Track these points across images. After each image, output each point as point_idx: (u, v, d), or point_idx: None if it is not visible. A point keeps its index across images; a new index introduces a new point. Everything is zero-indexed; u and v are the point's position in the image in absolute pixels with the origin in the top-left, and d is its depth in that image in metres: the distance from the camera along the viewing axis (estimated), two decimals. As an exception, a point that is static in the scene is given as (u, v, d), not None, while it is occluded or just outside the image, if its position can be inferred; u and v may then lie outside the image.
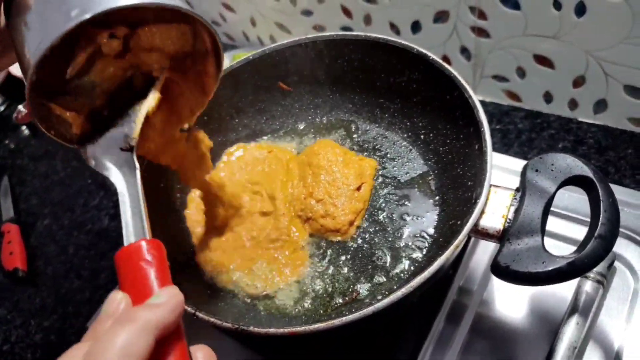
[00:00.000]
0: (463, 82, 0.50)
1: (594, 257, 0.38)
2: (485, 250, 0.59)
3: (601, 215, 0.40)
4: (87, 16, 0.32)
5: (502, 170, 0.64)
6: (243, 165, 0.61)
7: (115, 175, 0.39)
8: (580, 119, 0.75)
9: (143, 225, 0.35)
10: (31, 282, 0.80)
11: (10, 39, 0.37)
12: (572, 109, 0.74)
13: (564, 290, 0.52)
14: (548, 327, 0.52)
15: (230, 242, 0.54)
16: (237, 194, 0.57)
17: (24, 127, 1.11)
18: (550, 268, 0.39)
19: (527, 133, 0.76)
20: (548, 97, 0.75)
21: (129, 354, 0.27)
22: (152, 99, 0.42)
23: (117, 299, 0.31)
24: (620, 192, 0.59)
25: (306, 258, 0.53)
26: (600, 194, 0.41)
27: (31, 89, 0.35)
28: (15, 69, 1.13)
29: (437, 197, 0.55)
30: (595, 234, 0.39)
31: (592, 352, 0.49)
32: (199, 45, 0.43)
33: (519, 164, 0.66)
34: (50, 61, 0.33)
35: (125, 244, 0.34)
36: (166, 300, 0.30)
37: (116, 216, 0.86)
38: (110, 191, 0.90)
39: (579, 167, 0.42)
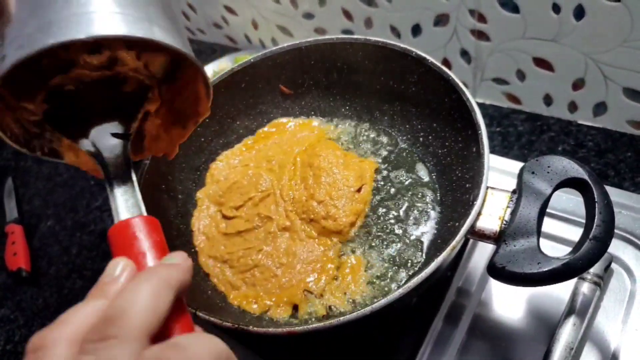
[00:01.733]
0: (461, 85, 0.51)
1: (588, 258, 0.39)
2: (483, 252, 0.59)
3: (596, 217, 0.40)
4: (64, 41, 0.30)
5: (502, 173, 0.65)
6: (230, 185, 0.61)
7: (101, 159, 0.37)
8: (580, 122, 0.75)
9: (138, 203, 0.34)
10: (34, 282, 0.81)
11: None
12: (572, 111, 0.75)
13: (561, 292, 0.53)
14: (545, 328, 0.52)
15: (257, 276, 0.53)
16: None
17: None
18: (545, 269, 0.39)
19: (527, 136, 0.76)
20: (548, 100, 0.76)
21: (155, 307, 0.26)
22: (151, 103, 0.41)
23: (122, 264, 0.29)
24: (619, 195, 0.59)
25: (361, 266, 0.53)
26: (595, 195, 0.41)
27: None
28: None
29: (435, 200, 0.56)
30: (590, 236, 0.39)
31: (588, 353, 0.49)
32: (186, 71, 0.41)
33: (518, 166, 0.66)
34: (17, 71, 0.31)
35: (116, 221, 0.33)
36: (182, 261, 0.30)
37: (119, 217, 0.86)
38: (113, 192, 0.91)
39: (575, 169, 0.43)
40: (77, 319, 0.26)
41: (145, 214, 0.33)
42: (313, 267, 0.52)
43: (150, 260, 0.30)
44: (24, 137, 0.39)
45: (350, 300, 0.51)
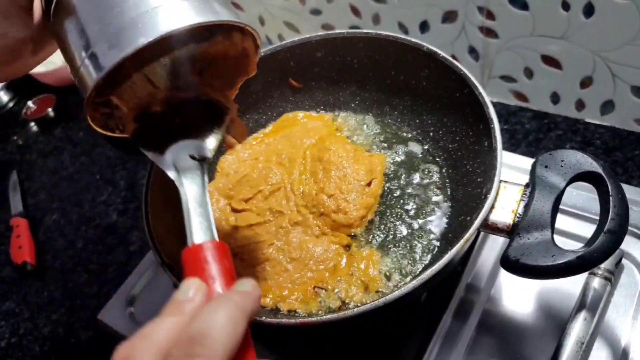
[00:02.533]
0: (473, 79, 0.51)
1: (603, 251, 0.39)
2: (492, 248, 0.59)
3: (610, 211, 0.40)
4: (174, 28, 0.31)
5: (510, 168, 0.65)
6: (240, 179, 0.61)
7: (177, 178, 0.38)
8: (587, 120, 0.75)
9: (211, 228, 0.35)
10: (39, 275, 0.81)
11: (53, 35, 0.36)
12: (580, 109, 0.75)
13: (572, 287, 0.53)
14: (555, 323, 0.52)
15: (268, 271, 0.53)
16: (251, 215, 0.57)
17: (32, 123, 1.12)
18: (560, 261, 0.39)
19: (535, 133, 0.76)
20: (555, 98, 0.76)
21: (234, 332, 0.27)
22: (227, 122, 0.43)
23: (197, 284, 0.31)
24: (629, 191, 0.59)
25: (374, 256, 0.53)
26: (609, 189, 0.41)
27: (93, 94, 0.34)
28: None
29: (446, 194, 0.56)
30: (605, 229, 0.39)
31: (599, 349, 0.50)
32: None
33: (526, 161, 0.67)
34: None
35: (190, 243, 0.34)
36: (252, 289, 0.31)
37: (124, 211, 0.86)
38: (118, 187, 0.91)
39: (589, 163, 0.43)
40: (159, 333, 0.27)
41: (217, 239, 0.34)
42: (325, 265, 0.52)
43: (219, 285, 0.31)
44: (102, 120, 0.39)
45: (361, 293, 0.51)
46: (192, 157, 0.40)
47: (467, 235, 0.42)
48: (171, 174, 0.39)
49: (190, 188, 0.38)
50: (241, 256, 0.54)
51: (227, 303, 0.28)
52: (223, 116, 0.43)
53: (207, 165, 0.41)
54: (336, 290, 0.51)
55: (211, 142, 0.42)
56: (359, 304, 0.49)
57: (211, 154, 0.41)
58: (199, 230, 0.35)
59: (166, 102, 0.41)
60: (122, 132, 0.40)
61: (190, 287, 0.30)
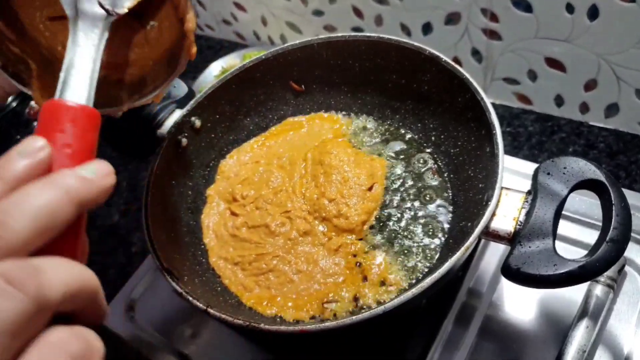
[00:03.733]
0: (475, 84, 0.50)
1: (605, 261, 0.38)
2: (494, 253, 0.59)
3: (613, 219, 0.40)
4: None
5: (512, 173, 0.64)
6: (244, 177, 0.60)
7: (74, 20, 0.34)
8: (591, 123, 0.75)
9: (88, 88, 0.31)
10: (41, 276, 0.81)
11: None
12: (583, 112, 0.74)
13: (574, 294, 0.52)
14: (557, 330, 0.52)
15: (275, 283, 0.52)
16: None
17: (35, 123, 1.12)
18: (561, 271, 0.39)
19: (538, 136, 0.76)
20: (559, 101, 0.75)
21: (45, 224, 0.23)
22: None
23: (39, 145, 0.26)
24: (632, 197, 0.59)
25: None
26: (612, 197, 0.41)
27: None
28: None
29: (447, 199, 0.55)
30: (607, 238, 0.39)
31: (601, 357, 0.49)
32: None
33: (528, 166, 0.66)
34: None
35: (60, 96, 0.29)
36: (98, 179, 0.27)
37: (126, 213, 0.86)
38: (120, 188, 0.91)
39: (591, 170, 0.42)
40: None
41: (91, 105, 0.30)
42: (334, 279, 0.51)
43: (66, 157, 0.27)
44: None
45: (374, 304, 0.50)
46: (101, 6, 0.35)
47: (467, 243, 0.42)
48: (67, 9, 0.34)
49: (82, 38, 0.33)
50: (242, 266, 0.54)
51: (53, 188, 0.24)
52: None
53: (110, 24, 0.35)
54: (344, 294, 0.50)
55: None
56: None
57: (123, 10, 0.36)
58: (74, 89, 0.30)
59: None
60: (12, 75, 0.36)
61: (31, 145, 0.26)
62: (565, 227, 0.57)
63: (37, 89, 0.38)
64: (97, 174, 0.27)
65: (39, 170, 0.26)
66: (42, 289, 0.22)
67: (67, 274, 0.24)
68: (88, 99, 0.31)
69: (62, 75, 0.31)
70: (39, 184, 0.25)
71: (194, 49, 0.41)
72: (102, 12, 0.35)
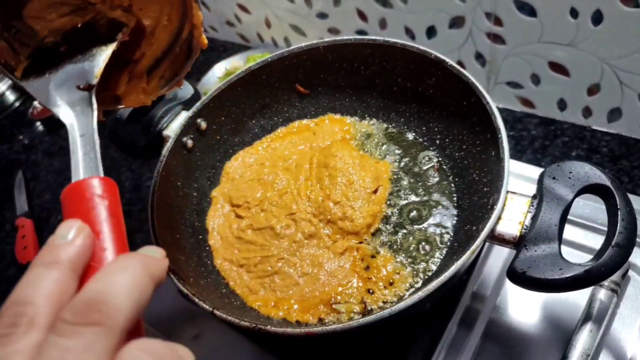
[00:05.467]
0: (481, 88, 0.51)
1: (611, 265, 0.39)
2: (498, 257, 0.59)
3: (618, 224, 0.40)
4: None
5: (515, 177, 0.65)
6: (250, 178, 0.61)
7: (65, 113, 0.37)
8: (594, 127, 0.75)
9: (97, 164, 0.33)
10: (44, 276, 0.81)
11: None
12: (586, 116, 0.75)
13: (578, 298, 0.53)
14: (561, 334, 0.52)
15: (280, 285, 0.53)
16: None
17: (38, 123, 1.12)
18: (567, 275, 0.39)
19: (541, 140, 0.76)
20: (562, 105, 0.76)
21: (138, 299, 0.24)
22: (117, 42, 0.41)
23: (77, 226, 0.26)
24: (635, 201, 0.59)
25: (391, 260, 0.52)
26: (617, 202, 0.41)
27: None
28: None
29: (452, 203, 0.55)
30: (613, 243, 0.39)
31: (605, 360, 0.49)
32: None
33: (531, 170, 0.67)
34: None
35: (74, 179, 0.32)
36: (161, 257, 0.28)
37: (129, 213, 0.86)
38: (123, 189, 0.91)
39: (597, 175, 0.43)
40: (40, 295, 0.23)
41: (102, 175, 0.32)
42: (339, 282, 0.51)
43: (107, 228, 0.28)
44: None
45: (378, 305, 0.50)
46: (79, 88, 0.38)
47: (473, 247, 0.42)
48: (59, 112, 0.36)
49: (77, 123, 0.36)
50: (247, 268, 0.54)
51: (134, 264, 0.25)
52: (116, 33, 0.42)
53: (94, 96, 0.38)
54: (351, 299, 0.51)
55: (97, 65, 0.40)
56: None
57: (96, 79, 0.39)
58: (84, 167, 0.32)
59: (63, 29, 0.38)
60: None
61: (71, 229, 0.26)
62: (570, 232, 0.58)
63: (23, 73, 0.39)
64: (158, 254, 0.28)
65: (88, 250, 0.26)
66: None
67: (188, 354, 0.25)
68: (99, 171, 0.33)
69: (72, 161, 0.33)
70: (118, 264, 0.25)
71: (205, 39, 0.45)
72: (84, 92, 0.38)
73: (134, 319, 0.23)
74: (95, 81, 0.39)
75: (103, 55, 0.41)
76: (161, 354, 0.23)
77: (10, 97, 1.20)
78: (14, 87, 1.20)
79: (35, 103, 1.14)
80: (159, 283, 0.26)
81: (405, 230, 0.54)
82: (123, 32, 0.42)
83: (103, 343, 0.21)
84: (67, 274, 0.25)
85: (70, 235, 0.26)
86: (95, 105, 0.38)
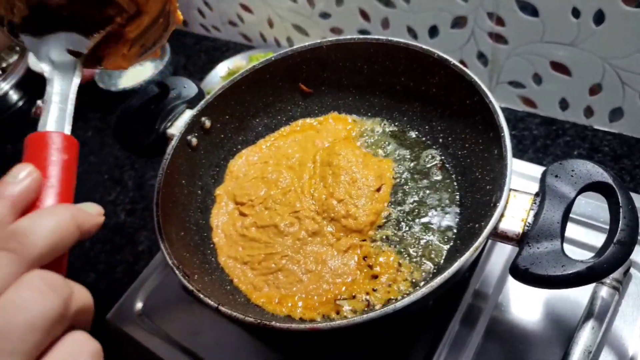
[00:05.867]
0: (484, 87, 0.51)
1: (613, 262, 0.39)
2: (501, 254, 0.59)
3: (620, 222, 0.40)
4: None
5: (517, 175, 0.65)
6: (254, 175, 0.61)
7: (49, 69, 0.39)
8: (595, 127, 0.75)
9: (65, 123, 0.36)
10: (48, 274, 0.81)
11: None
12: (588, 116, 0.75)
13: (579, 296, 0.53)
14: (563, 331, 0.52)
15: (283, 281, 0.53)
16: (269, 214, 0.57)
17: (41, 122, 1.13)
18: (569, 272, 0.39)
19: (542, 139, 0.76)
20: (564, 104, 0.76)
21: (57, 243, 0.28)
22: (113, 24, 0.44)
23: (29, 169, 0.30)
24: (637, 200, 0.59)
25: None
26: (620, 200, 0.41)
27: None
28: (35, 65, 1.15)
29: (455, 201, 0.56)
30: (615, 240, 0.39)
31: (606, 358, 0.49)
32: None
33: (533, 169, 0.67)
34: None
35: (40, 129, 0.34)
36: (95, 213, 0.31)
37: (132, 212, 0.87)
38: (126, 187, 0.91)
39: (599, 173, 0.43)
40: None
41: (69, 133, 0.35)
42: (343, 279, 0.52)
43: (55, 178, 0.31)
44: None
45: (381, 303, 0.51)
46: (69, 52, 0.41)
47: (476, 244, 0.42)
48: (45, 67, 0.39)
49: (58, 82, 0.38)
50: (251, 265, 0.54)
51: (63, 212, 0.29)
52: (113, 18, 0.44)
53: (80, 63, 0.41)
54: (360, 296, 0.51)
55: (91, 39, 0.43)
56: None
57: (86, 50, 0.42)
58: (52, 121, 0.35)
59: None
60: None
61: (22, 171, 0.30)
62: (571, 230, 0.58)
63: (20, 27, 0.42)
64: (93, 210, 0.32)
65: (32, 192, 0.30)
66: (71, 298, 0.26)
67: (85, 293, 0.29)
68: (65, 128, 0.36)
69: (42, 114, 0.36)
70: (51, 209, 0.29)
71: (180, 15, 0.47)
72: (72, 58, 0.41)
73: (48, 256, 0.27)
74: (85, 51, 0.42)
75: (98, 34, 0.43)
76: (55, 285, 0.26)
77: (14, 96, 1.20)
78: (17, 87, 1.21)
79: (39, 102, 1.15)
80: (85, 234, 0.30)
81: (408, 228, 0.55)
82: (122, 16, 0.44)
83: (11, 266, 0.25)
84: (7, 208, 0.28)
85: (20, 176, 0.30)
86: (79, 71, 0.40)
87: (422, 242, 0.54)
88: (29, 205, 0.30)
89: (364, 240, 0.54)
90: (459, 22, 0.75)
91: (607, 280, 0.50)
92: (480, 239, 0.42)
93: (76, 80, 0.40)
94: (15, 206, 0.29)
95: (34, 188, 0.30)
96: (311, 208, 0.56)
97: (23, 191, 0.30)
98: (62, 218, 0.28)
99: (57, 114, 0.36)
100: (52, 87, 0.38)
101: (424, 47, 0.56)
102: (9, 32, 0.41)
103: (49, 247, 0.27)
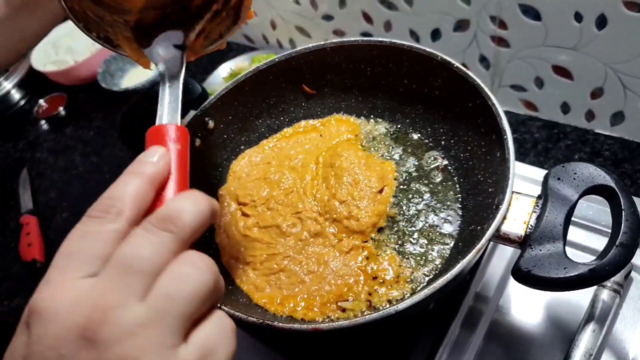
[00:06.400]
0: (487, 90, 0.51)
1: (615, 265, 0.39)
2: (502, 257, 0.59)
3: (622, 224, 0.40)
4: None
5: (519, 178, 0.65)
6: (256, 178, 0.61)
7: (161, 66, 0.43)
8: (597, 131, 0.75)
9: (177, 114, 0.39)
10: (49, 273, 0.81)
11: None
12: (589, 120, 0.75)
13: (580, 299, 0.53)
14: (563, 334, 0.53)
15: (285, 282, 0.53)
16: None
17: (43, 122, 1.13)
18: (571, 274, 0.39)
19: (544, 143, 0.76)
20: (565, 108, 0.76)
21: (202, 224, 0.31)
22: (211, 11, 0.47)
23: (161, 152, 0.34)
24: (638, 203, 0.59)
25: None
26: (622, 203, 0.41)
27: None
28: (37, 63, 1.15)
29: (457, 203, 0.56)
30: (617, 242, 0.40)
31: (607, 361, 0.50)
32: None
33: (535, 172, 0.67)
34: None
35: (158, 123, 0.38)
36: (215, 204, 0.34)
37: (133, 212, 0.87)
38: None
39: (602, 176, 0.43)
40: (128, 193, 0.31)
41: (179, 124, 0.38)
42: (344, 281, 0.52)
43: (173, 164, 0.35)
44: (83, 17, 0.43)
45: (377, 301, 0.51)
46: (176, 46, 0.45)
47: (478, 246, 0.42)
48: (160, 67, 0.43)
49: (170, 75, 0.42)
50: (253, 266, 0.54)
51: (205, 199, 0.32)
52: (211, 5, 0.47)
53: (185, 54, 0.45)
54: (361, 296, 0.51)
55: (193, 30, 0.46)
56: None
57: (189, 42, 0.46)
58: (167, 115, 0.39)
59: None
60: (104, 39, 0.45)
61: (156, 153, 0.34)
62: (573, 233, 0.58)
63: (128, 49, 0.46)
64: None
65: (165, 172, 0.34)
66: (219, 277, 0.31)
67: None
68: (177, 120, 0.39)
69: (158, 108, 0.39)
70: (193, 195, 0.32)
71: (252, 13, 0.49)
72: (179, 51, 0.44)
73: (195, 236, 0.31)
74: (189, 43, 0.46)
75: (199, 23, 0.47)
76: (208, 263, 0.30)
77: (16, 95, 1.21)
78: (19, 86, 1.21)
79: (41, 101, 1.15)
80: (213, 218, 0.33)
81: (410, 230, 0.55)
82: (217, 2, 0.48)
83: (172, 244, 0.29)
84: (148, 185, 0.32)
85: (154, 158, 0.33)
86: (184, 63, 0.44)
87: (424, 244, 0.54)
88: (163, 183, 0.33)
89: (366, 241, 0.54)
90: (461, 25, 0.75)
91: (608, 283, 0.50)
92: (483, 241, 0.43)
93: (182, 71, 0.43)
94: (153, 184, 0.32)
95: (166, 169, 0.33)
96: (313, 209, 0.56)
97: (159, 170, 0.33)
98: (204, 204, 0.31)
99: (169, 106, 0.39)
100: (164, 81, 0.41)
101: (427, 49, 0.56)
102: (118, 50, 0.46)
103: (197, 229, 0.31)
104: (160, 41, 0.45)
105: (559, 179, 0.44)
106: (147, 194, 0.32)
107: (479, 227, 0.49)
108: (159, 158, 0.33)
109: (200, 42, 0.49)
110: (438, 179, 0.58)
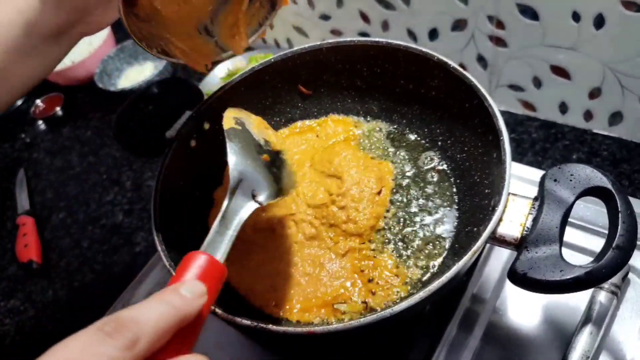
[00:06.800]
0: (483, 90, 0.51)
1: (611, 267, 0.39)
2: (498, 260, 0.59)
3: (619, 227, 0.40)
4: None
5: (516, 179, 0.65)
6: None
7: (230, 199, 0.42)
8: (595, 131, 0.75)
9: (220, 247, 0.39)
10: (45, 274, 0.81)
11: None
12: (587, 120, 0.75)
13: (578, 300, 0.53)
14: (560, 336, 0.52)
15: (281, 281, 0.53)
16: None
17: (40, 122, 1.12)
18: (568, 277, 0.39)
19: (541, 143, 0.76)
20: (563, 108, 0.76)
21: (162, 327, 0.29)
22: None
23: (202, 292, 0.33)
24: (636, 205, 0.59)
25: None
26: (618, 205, 0.41)
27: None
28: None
29: (453, 204, 0.56)
30: (614, 245, 0.39)
31: (604, 363, 0.50)
32: None
33: (532, 172, 0.67)
34: None
35: (202, 249, 0.37)
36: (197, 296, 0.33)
37: (130, 212, 0.86)
38: (124, 188, 0.91)
39: (598, 178, 0.43)
40: (153, 321, 0.29)
41: (221, 261, 0.38)
42: (341, 283, 0.52)
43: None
44: (139, 34, 0.46)
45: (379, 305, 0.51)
46: (254, 198, 0.43)
47: (474, 248, 0.42)
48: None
49: (232, 207, 0.41)
50: (248, 267, 0.54)
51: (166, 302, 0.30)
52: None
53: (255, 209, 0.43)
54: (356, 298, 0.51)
55: (271, 197, 0.45)
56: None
57: (265, 204, 0.44)
58: (209, 242, 0.38)
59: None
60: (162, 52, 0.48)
61: (197, 291, 0.32)
62: (570, 234, 0.58)
63: (185, 58, 0.50)
64: (198, 291, 0.33)
65: (196, 314, 0.32)
66: None
67: None
68: (219, 253, 0.38)
69: (210, 237, 0.39)
70: (163, 297, 0.31)
71: None
72: (255, 203, 0.43)
73: (159, 337, 0.29)
74: (264, 204, 0.44)
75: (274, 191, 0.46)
76: None
77: (13, 95, 1.20)
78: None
79: (38, 101, 1.15)
80: (184, 321, 0.31)
81: (406, 231, 0.55)
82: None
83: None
84: (176, 319, 0.30)
85: (190, 295, 0.32)
86: (250, 207, 0.42)
87: (420, 245, 0.53)
88: (187, 326, 0.32)
89: (363, 243, 0.54)
90: (459, 25, 0.75)
91: (606, 285, 0.50)
92: (479, 243, 0.42)
93: (245, 213, 0.42)
94: (180, 320, 0.30)
95: (198, 312, 0.32)
96: (307, 211, 0.56)
97: (192, 311, 0.31)
98: (165, 310, 0.30)
99: (214, 235, 0.39)
100: (223, 209, 0.40)
101: (424, 49, 0.56)
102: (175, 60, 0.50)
103: (158, 331, 0.29)
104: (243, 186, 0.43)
105: (555, 180, 0.44)
106: (169, 327, 0.30)
107: (475, 229, 0.49)
108: (198, 297, 0.32)
109: (243, 32, 0.51)
110: (434, 180, 0.58)
